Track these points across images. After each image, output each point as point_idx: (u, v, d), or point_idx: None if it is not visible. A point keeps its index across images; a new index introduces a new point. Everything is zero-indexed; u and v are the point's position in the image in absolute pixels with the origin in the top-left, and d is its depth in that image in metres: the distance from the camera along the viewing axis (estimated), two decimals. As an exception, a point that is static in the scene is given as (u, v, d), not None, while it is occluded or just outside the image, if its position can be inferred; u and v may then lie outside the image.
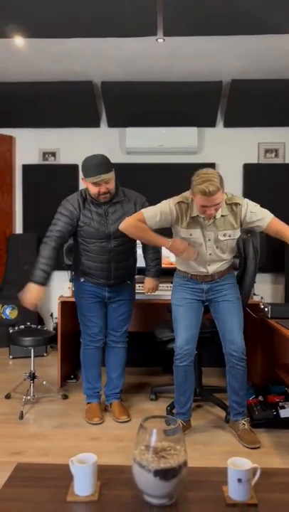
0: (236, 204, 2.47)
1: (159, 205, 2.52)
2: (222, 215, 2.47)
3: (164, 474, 1.21)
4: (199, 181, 2.31)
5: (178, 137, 4.66)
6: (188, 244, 2.52)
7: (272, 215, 2.47)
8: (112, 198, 2.74)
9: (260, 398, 2.97)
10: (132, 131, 4.68)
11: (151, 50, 3.69)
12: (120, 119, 4.74)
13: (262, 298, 3.46)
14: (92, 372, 2.96)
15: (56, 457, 2.43)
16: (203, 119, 4.71)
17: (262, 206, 2.54)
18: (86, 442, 2.62)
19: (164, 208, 2.49)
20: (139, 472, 1.24)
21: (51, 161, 4.94)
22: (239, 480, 1.27)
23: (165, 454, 1.24)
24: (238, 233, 2.53)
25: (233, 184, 4.58)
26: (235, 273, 2.92)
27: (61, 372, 3.44)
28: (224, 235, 2.49)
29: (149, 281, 3.10)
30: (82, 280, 2.87)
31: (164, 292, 3.58)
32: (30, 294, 2.63)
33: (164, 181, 4.43)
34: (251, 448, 2.52)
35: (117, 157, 4.62)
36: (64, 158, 4.91)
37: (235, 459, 1.34)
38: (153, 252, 3.04)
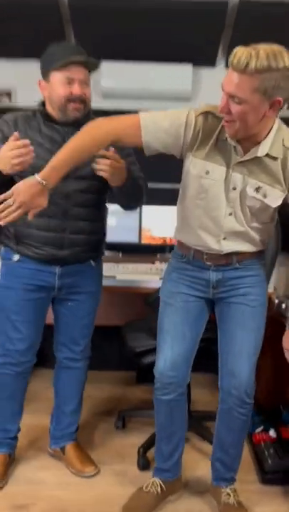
0: None
1: (172, 110, 1.60)
2: (268, 155, 1.51)
3: None
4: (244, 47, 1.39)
5: (168, 77, 3.72)
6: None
7: None
8: (82, 119, 1.82)
9: (272, 434, 2.11)
10: (109, 67, 3.71)
11: None
12: (94, 50, 3.73)
13: (275, 289, 2.56)
14: (4, 409, 1.96)
15: None
16: (200, 55, 3.75)
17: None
18: None
19: (179, 117, 1.57)
20: None
21: (5, 102, 4.00)
22: None
23: None
24: (277, 199, 1.55)
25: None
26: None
27: None
28: (256, 190, 1.52)
29: None
30: (15, 258, 1.89)
31: (142, 276, 2.66)
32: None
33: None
34: None
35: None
36: (22, 99, 3.93)
37: None
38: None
